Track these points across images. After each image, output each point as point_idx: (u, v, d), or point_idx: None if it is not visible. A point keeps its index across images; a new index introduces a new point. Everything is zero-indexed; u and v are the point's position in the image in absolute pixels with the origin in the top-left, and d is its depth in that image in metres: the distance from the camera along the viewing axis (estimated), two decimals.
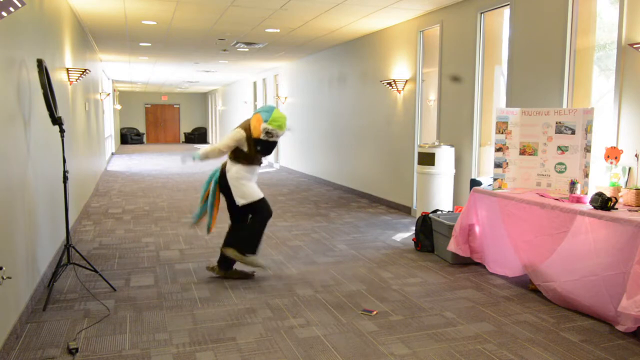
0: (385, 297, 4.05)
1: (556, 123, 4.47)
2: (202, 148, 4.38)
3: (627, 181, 4.17)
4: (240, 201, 4.33)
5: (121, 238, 6.05)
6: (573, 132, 4.38)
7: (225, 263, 4.48)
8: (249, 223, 4.43)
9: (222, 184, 4.41)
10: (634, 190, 3.76)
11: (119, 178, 12.01)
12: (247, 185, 4.36)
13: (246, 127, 4.29)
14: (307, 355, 3.04)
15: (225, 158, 4.49)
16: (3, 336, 3.02)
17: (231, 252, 4.36)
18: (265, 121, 4.14)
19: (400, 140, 7.82)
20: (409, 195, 7.59)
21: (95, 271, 4.27)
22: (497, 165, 4.64)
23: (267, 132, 4.15)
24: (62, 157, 4.13)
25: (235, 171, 4.34)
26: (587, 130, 4.15)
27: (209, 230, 4.52)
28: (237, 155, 4.33)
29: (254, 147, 4.26)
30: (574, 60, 4.84)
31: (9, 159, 3.34)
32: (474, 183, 5.43)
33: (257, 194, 4.39)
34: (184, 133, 28.19)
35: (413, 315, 3.69)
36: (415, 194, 7.33)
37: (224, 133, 23.54)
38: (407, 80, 7.62)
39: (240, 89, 19.51)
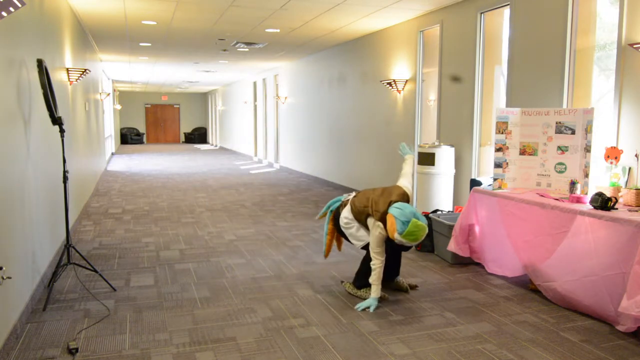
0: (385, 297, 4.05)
1: (556, 123, 4.47)
2: (371, 277, 3.82)
3: (627, 181, 4.17)
4: (357, 244, 4.01)
5: (121, 238, 6.05)
6: (573, 132, 4.38)
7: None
8: (364, 257, 4.07)
9: (336, 224, 4.18)
10: (634, 190, 3.76)
11: (119, 178, 12.01)
12: (359, 228, 4.01)
13: (382, 217, 3.79)
14: (307, 355, 3.04)
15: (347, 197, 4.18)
16: (3, 336, 3.02)
17: (347, 286, 4.18)
18: (400, 233, 3.56)
19: (400, 140, 7.81)
20: None
21: (95, 271, 4.27)
22: (497, 165, 4.64)
23: (400, 242, 3.69)
24: (62, 157, 4.13)
25: (344, 216, 4.07)
26: (587, 130, 4.15)
27: (325, 255, 4.32)
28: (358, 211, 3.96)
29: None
30: (574, 60, 4.84)
31: (9, 159, 3.34)
32: (474, 183, 5.43)
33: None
34: (184, 133, 28.21)
35: (413, 315, 3.69)
36: (415, 194, 7.33)
37: (224, 133, 23.56)
38: (407, 80, 7.62)
39: (240, 89, 19.51)
